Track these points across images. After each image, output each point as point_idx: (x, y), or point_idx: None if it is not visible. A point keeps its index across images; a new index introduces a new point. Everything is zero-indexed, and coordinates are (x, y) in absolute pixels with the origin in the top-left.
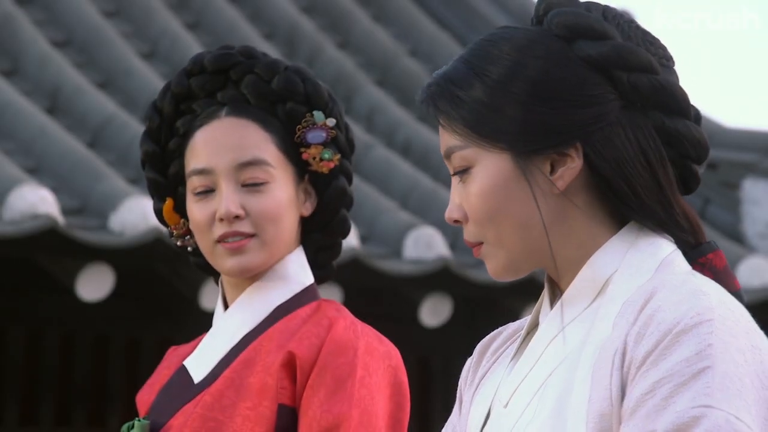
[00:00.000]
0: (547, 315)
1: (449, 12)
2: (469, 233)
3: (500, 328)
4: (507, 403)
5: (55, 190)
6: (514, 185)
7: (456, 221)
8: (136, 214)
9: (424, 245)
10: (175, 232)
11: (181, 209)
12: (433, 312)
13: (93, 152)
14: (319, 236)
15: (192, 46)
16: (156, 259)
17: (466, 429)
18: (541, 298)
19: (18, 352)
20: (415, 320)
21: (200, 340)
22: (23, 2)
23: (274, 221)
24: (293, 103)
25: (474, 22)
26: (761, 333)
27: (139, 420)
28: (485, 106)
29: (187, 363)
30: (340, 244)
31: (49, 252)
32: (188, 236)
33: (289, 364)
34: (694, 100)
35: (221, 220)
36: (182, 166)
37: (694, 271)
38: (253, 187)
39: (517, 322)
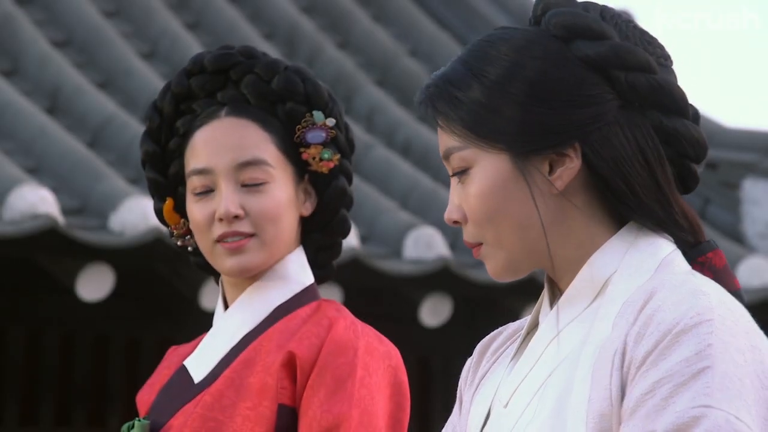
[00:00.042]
0: (547, 315)
1: (449, 12)
2: (469, 234)
3: (500, 329)
4: (507, 403)
5: (55, 190)
6: (513, 186)
7: (455, 222)
8: (136, 214)
9: (424, 245)
10: (175, 232)
11: (181, 209)
12: (433, 312)
13: (93, 152)
14: (319, 236)
15: (192, 46)
16: (156, 259)
17: (466, 429)
18: (541, 298)
19: (18, 352)
20: (415, 320)
21: (200, 340)
22: (23, 2)
23: (274, 221)
24: (293, 103)
25: (474, 22)
26: (761, 333)
27: (139, 420)
28: (483, 107)
29: (187, 363)
30: (340, 244)
31: (49, 252)
32: (188, 236)
33: (289, 364)
34: (693, 100)
35: (221, 220)
36: (182, 166)
37: (694, 271)
38: (252, 187)
39: (517, 322)
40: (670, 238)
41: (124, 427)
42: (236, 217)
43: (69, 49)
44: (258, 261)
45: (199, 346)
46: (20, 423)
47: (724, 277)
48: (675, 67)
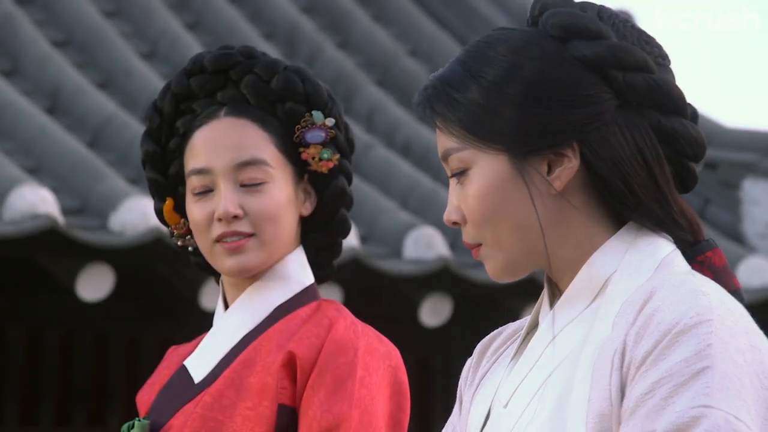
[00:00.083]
0: (547, 315)
1: (449, 12)
2: (468, 235)
3: (500, 329)
4: (507, 404)
5: (55, 190)
6: (512, 186)
7: (454, 223)
8: (136, 214)
9: (424, 245)
10: (175, 232)
11: (181, 209)
12: (433, 312)
13: (93, 152)
14: (318, 236)
15: (192, 46)
16: (156, 259)
17: (466, 429)
18: (540, 298)
19: (18, 352)
20: (415, 320)
21: (200, 340)
22: (23, 2)
23: (273, 221)
24: (292, 102)
25: (474, 22)
26: (761, 333)
27: (139, 420)
28: (481, 108)
29: (187, 363)
30: (340, 244)
31: (49, 252)
32: (189, 236)
33: (290, 364)
34: (692, 100)
35: (219, 220)
36: (182, 166)
37: (694, 271)
38: (251, 186)
39: (517, 322)
40: (670, 238)
41: (124, 427)
42: (235, 217)
43: (69, 49)
44: (257, 261)
45: (200, 346)
46: (20, 423)
47: (723, 276)
48: (674, 66)
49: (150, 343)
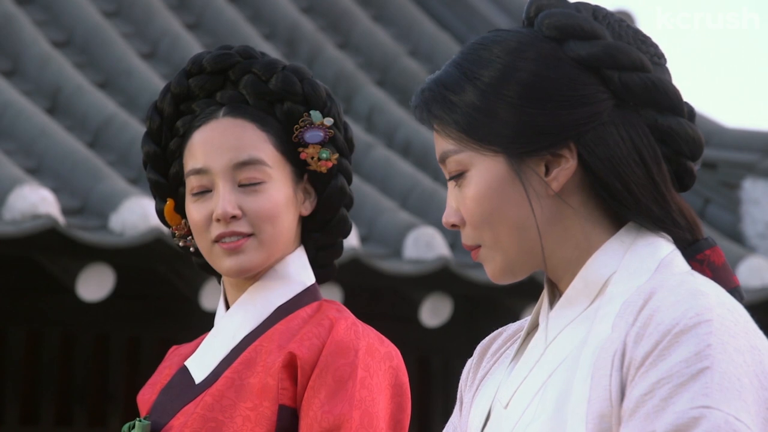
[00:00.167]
0: (547, 316)
1: (449, 12)
2: (467, 237)
3: (500, 329)
4: (507, 404)
5: (56, 190)
6: (509, 188)
7: (453, 225)
8: (136, 214)
9: (424, 245)
10: (176, 232)
11: (182, 210)
12: (433, 312)
13: (93, 152)
14: (319, 236)
15: (192, 47)
16: (156, 259)
17: (467, 430)
18: (540, 298)
19: (18, 352)
20: (415, 320)
21: (202, 340)
22: (23, 2)
23: (272, 221)
24: (291, 102)
25: (474, 22)
26: (760, 333)
27: (140, 420)
28: (478, 110)
29: (188, 363)
30: (341, 244)
31: (50, 252)
32: (190, 237)
33: (290, 365)
34: (692, 100)
35: (218, 220)
36: (182, 167)
37: (693, 272)
38: (249, 186)
39: (517, 323)
40: (669, 238)
41: (125, 427)
42: (234, 217)
43: (69, 50)
44: (256, 261)
45: (200, 347)
46: (20, 423)
47: (722, 274)
48: (674, 66)
49: (150, 343)
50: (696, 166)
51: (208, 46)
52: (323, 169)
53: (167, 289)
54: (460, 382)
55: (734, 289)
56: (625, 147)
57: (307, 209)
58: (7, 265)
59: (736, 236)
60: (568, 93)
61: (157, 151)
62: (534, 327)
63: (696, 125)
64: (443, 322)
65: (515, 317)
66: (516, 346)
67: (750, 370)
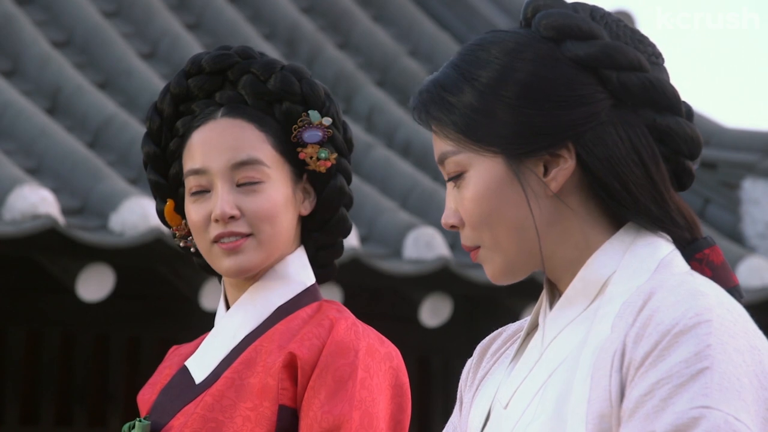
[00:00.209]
0: (547, 316)
1: (449, 12)
2: (466, 237)
3: (500, 329)
4: (507, 405)
5: (56, 190)
6: (508, 188)
7: (452, 226)
8: (136, 214)
9: (424, 245)
10: (177, 233)
11: (182, 210)
12: (433, 312)
13: (93, 152)
14: (318, 235)
15: (192, 47)
16: (156, 259)
17: (467, 430)
18: (540, 299)
19: (18, 352)
20: (415, 320)
21: (202, 340)
22: (23, 2)
23: (270, 221)
24: (289, 102)
25: (474, 22)
26: (760, 333)
27: (140, 420)
28: (476, 111)
29: (188, 363)
30: (341, 243)
31: (50, 252)
32: (190, 237)
33: (291, 365)
34: (692, 100)
35: (216, 220)
36: (182, 167)
37: (693, 272)
38: (248, 186)
39: (517, 323)
40: (669, 238)
41: (125, 427)
42: (232, 217)
43: (69, 50)
44: (255, 261)
45: (201, 347)
46: (20, 423)
47: (722, 272)
48: (674, 66)
49: (150, 343)
50: (694, 166)
51: (208, 46)
52: (322, 169)
53: (167, 289)
54: (460, 382)
55: (733, 288)
56: (623, 147)
57: (306, 209)
58: (7, 265)
59: (736, 236)
60: (566, 93)
61: (157, 152)
62: (534, 327)
63: (694, 124)
64: (443, 322)
65: (515, 317)
66: (516, 346)
67: (749, 370)
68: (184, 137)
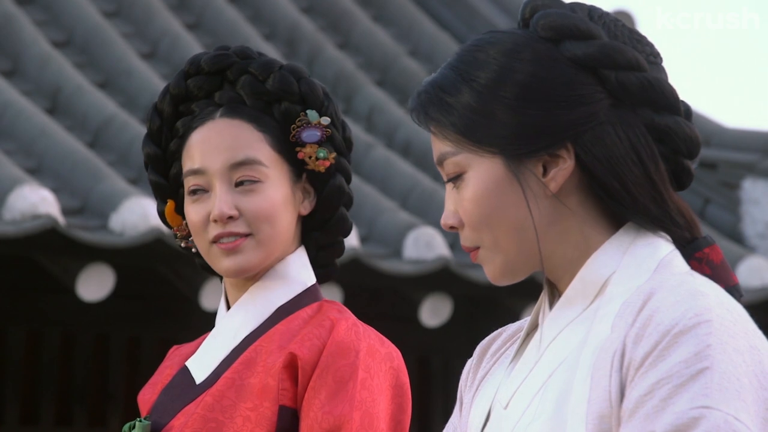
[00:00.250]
0: (547, 316)
1: (449, 12)
2: (466, 238)
3: (500, 330)
4: (507, 405)
5: (56, 190)
6: (507, 189)
7: (452, 227)
8: (136, 214)
9: (424, 245)
10: (178, 233)
11: (183, 211)
12: (433, 312)
13: (93, 152)
14: (319, 235)
15: (192, 47)
16: (156, 259)
17: (467, 430)
18: (540, 299)
19: (18, 352)
20: (415, 320)
21: (203, 340)
22: (23, 2)
23: (269, 220)
24: (288, 102)
25: (474, 22)
26: (760, 333)
27: (140, 420)
28: (475, 112)
29: (189, 364)
30: (341, 243)
31: (50, 252)
32: (192, 237)
33: (291, 366)
34: (693, 100)
35: (215, 221)
36: (182, 168)
37: (693, 272)
38: (246, 187)
39: (517, 323)
40: (669, 238)
41: (125, 427)
42: (230, 218)
43: (69, 50)
44: (255, 261)
45: (201, 347)
46: (20, 423)
47: (721, 272)
48: (674, 66)
49: (150, 343)
50: (693, 165)
51: (208, 46)
52: (321, 169)
53: (167, 289)
54: (460, 382)
55: (733, 287)
56: (622, 146)
57: (306, 208)
58: (7, 265)
59: (736, 236)
60: (564, 93)
61: (158, 153)
62: (534, 327)
63: (693, 124)
64: (443, 322)
65: (515, 317)
66: (516, 346)
67: (749, 370)
68: (183, 137)
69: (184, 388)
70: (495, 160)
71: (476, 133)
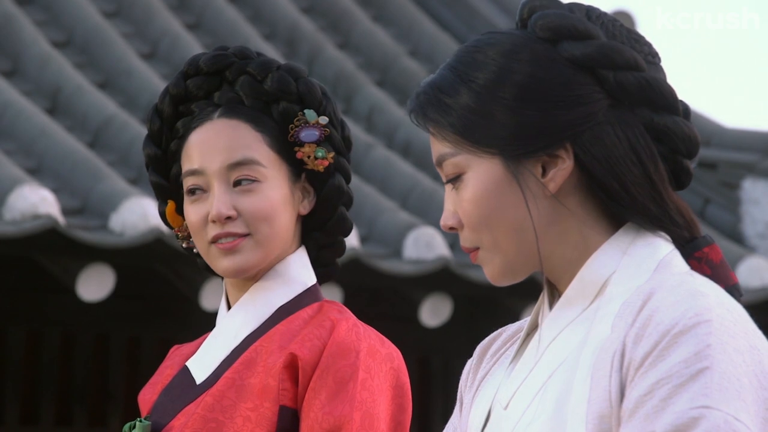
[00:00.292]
0: (547, 316)
1: (449, 12)
2: (465, 239)
3: (500, 330)
4: (507, 405)
5: (56, 190)
6: (507, 189)
7: (451, 228)
8: (136, 214)
9: (424, 245)
10: (179, 234)
11: (183, 211)
12: (433, 312)
13: (93, 152)
14: (318, 235)
15: (192, 47)
16: (156, 259)
17: (467, 430)
18: (540, 299)
19: (18, 352)
20: (415, 320)
21: (203, 340)
22: (23, 2)
23: (267, 220)
24: (286, 102)
25: (474, 22)
26: (760, 333)
27: (140, 420)
28: (473, 112)
29: (189, 364)
30: (341, 242)
31: (50, 252)
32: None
33: (291, 366)
34: (692, 100)
35: (213, 221)
36: (181, 168)
37: (693, 272)
38: (244, 187)
39: (517, 324)
40: (668, 238)
41: (126, 427)
42: (229, 218)
43: (69, 50)
44: (254, 261)
45: (202, 347)
46: (20, 423)
47: (721, 271)
48: (674, 66)
49: (150, 343)
50: (692, 165)
51: (208, 46)
52: (320, 168)
53: (167, 289)
54: (460, 382)
55: (733, 287)
56: (621, 146)
57: (305, 208)
58: (7, 265)
59: (736, 236)
60: (563, 93)
61: (158, 153)
62: (533, 328)
63: (691, 123)
64: (443, 322)
65: (515, 317)
66: (516, 346)
67: (749, 370)
68: (183, 138)
69: (184, 388)
70: (494, 161)
71: (475, 134)
